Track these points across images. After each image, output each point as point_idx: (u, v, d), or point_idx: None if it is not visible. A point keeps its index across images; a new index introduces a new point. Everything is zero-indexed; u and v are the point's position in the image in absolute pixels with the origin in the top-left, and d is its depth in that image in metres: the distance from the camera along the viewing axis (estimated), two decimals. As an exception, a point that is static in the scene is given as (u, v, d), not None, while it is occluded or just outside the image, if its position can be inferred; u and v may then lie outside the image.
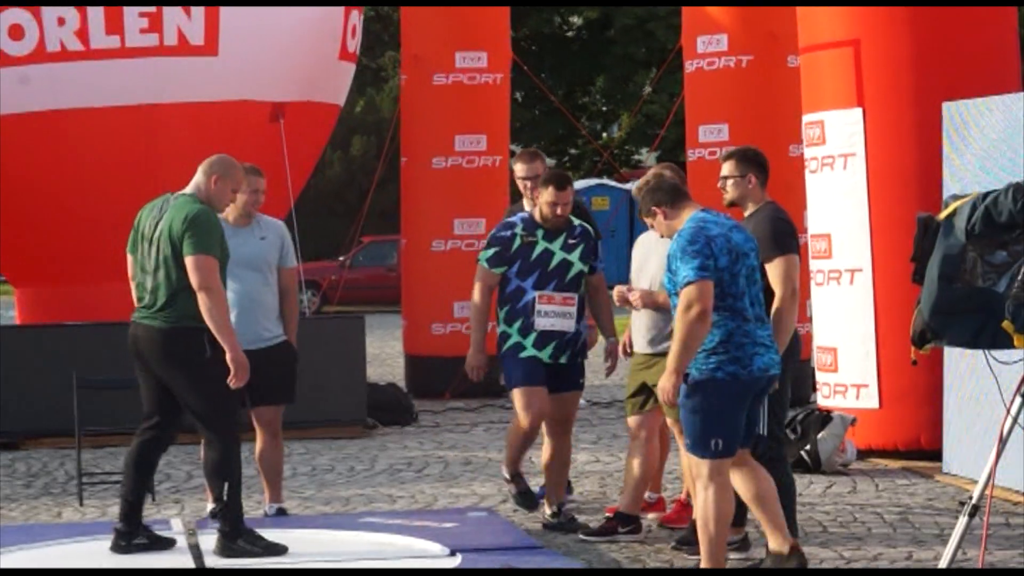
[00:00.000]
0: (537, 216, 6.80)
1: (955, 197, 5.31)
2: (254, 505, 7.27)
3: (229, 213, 6.57)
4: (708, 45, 10.88)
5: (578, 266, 6.77)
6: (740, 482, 5.64)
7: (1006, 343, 5.09)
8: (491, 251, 6.80)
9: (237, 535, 6.07)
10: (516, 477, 6.89)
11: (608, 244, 6.99)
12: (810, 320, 9.09)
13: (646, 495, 7.09)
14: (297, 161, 11.27)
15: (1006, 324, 5.03)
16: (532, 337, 6.71)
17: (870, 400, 8.40)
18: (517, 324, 6.73)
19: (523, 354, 6.71)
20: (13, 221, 10.93)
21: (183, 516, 7.21)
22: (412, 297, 12.09)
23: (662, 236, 5.83)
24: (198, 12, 10.64)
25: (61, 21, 10.47)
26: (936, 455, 8.11)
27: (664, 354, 6.24)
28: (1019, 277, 5.01)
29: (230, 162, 6.22)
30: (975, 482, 5.54)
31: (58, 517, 7.40)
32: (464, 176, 11.74)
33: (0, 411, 9.24)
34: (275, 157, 10.74)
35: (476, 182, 11.77)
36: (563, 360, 6.77)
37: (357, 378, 9.83)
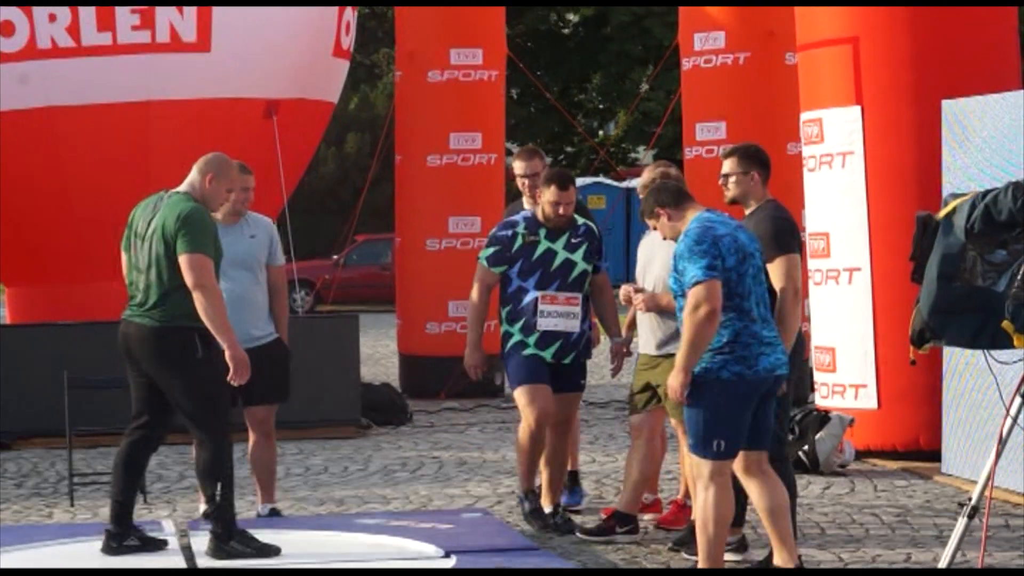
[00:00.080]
0: (540, 215, 6.72)
1: (954, 195, 5.30)
2: (246, 506, 7.24)
3: (218, 211, 6.51)
4: (705, 42, 10.86)
5: (582, 265, 6.70)
6: (756, 493, 5.60)
7: (1006, 343, 5.08)
8: (491, 250, 6.74)
9: (229, 536, 6.04)
10: (530, 495, 6.75)
11: (605, 243, 6.92)
12: (808, 320, 9.05)
13: (643, 496, 7.07)
14: (290, 158, 11.23)
15: (1006, 324, 5.02)
16: (535, 336, 6.65)
17: (868, 400, 8.39)
18: (519, 324, 6.67)
19: (526, 352, 6.65)
20: (3, 219, 10.87)
21: (175, 517, 7.18)
22: (406, 296, 12.06)
23: (665, 238, 5.77)
24: (190, 8, 10.61)
25: (52, 18, 10.43)
26: (935, 456, 8.09)
27: (670, 356, 6.23)
28: (1019, 276, 5.00)
29: (225, 161, 6.21)
30: (974, 483, 5.54)
31: (49, 518, 7.37)
32: (459, 174, 11.70)
33: (-9, 411, 9.22)
34: (268, 154, 10.71)
35: (471, 180, 11.74)
36: (567, 360, 6.71)
37: (351, 378, 9.81)
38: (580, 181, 24.95)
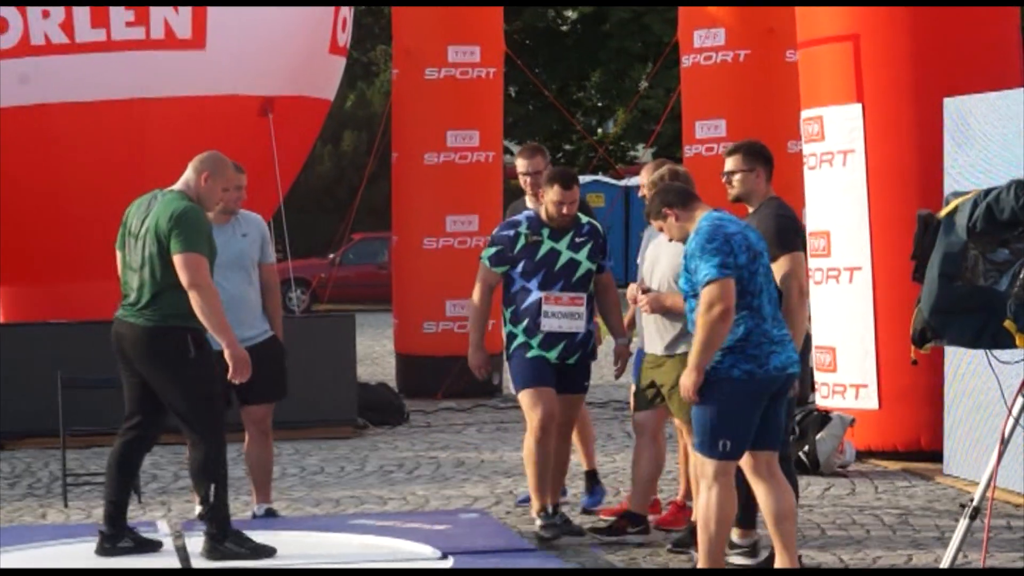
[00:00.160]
0: (543, 215, 6.66)
1: (956, 194, 5.27)
2: (241, 506, 7.21)
3: (212, 210, 6.47)
4: (705, 39, 10.83)
5: (586, 265, 6.64)
6: (763, 495, 5.56)
7: (1008, 343, 5.05)
8: (493, 250, 6.67)
9: (224, 537, 6.01)
10: (543, 513, 6.57)
11: (604, 241, 6.88)
12: (809, 319, 9.01)
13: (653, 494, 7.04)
14: (286, 156, 11.18)
15: (1008, 323, 4.99)
16: (539, 337, 6.58)
17: (869, 400, 8.36)
18: (523, 325, 6.61)
19: (530, 354, 6.59)
20: (-4, 218, 10.83)
21: (169, 518, 7.16)
22: (403, 295, 12.02)
23: (671, 239, 5.72)
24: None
25: (46, 14, 10.38)
26: (936, 456, 8.06)
27: (675, 356, 6.22)
28: (1021, 276, 4.97)
29: (221, 160, 6.18)
30: (976, 484, 5.52)
31: (42, 519, 7.34)
32: (456, 172, 11.66)
33: (-16, 410, 9.18)
34: (264, 152, 10.67)
35: (469, 178, 11.70)
36: (571, 361, 6.64)
37: (347, 377, 9.78)
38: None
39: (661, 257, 6.37)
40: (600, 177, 26.27)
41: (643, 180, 6.89)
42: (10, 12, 10.37)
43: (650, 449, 6.55)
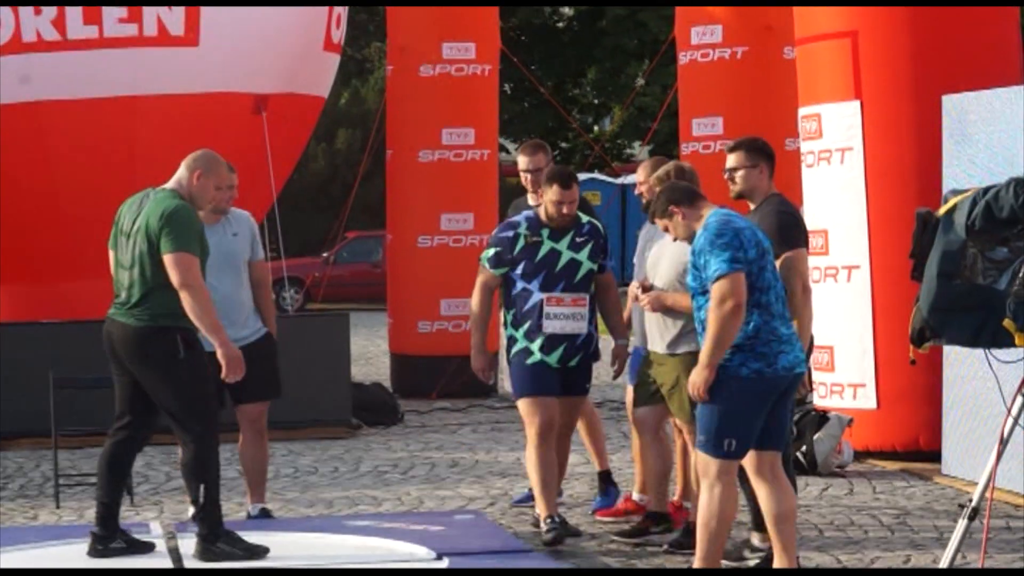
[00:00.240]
0: (542, 215, 6.59)
1: (955, 192, 5.25)
2: (234, 508, 7.18)
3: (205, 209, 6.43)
4: (702, 36, 10.80)
5: (587, 265, 6.57)
6: (764, 496, 5.52)
7: (1007, 342, 5.03)
8: (492, 251, 6.60)
9: (216, 538, 5.98)
10: (549, 521, 6.46)
11: (601, 240, 6.82)
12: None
13: (636, 497, 7.00)
14: (280, 154, 11.14)
15: (1007, 322, 4.97)
16: (539, 341, 6.51)
17: (867, 400, 8.32)
18: (524, 328, 6.54)
19: (530, 360, 6.52)
20: (-13, 217, 10.77)
21: (162, 519, 7.12)
22: (398, 294, 11.98)
23: (676, 239, 5.66)
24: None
25: (38, 11, 10.35)
26: (935, 456, 8.03)
27: (676, 355, 6.19)
28: (1020, 274, 4.95)
29: (214, 158, 6.15)
30: (975, 484, 5.48)
31: (34, 520, 7.30)
32: (451, 170, 11.62)
33: (-24, 411, 9.13)
34: (257, 150, 10.63)
35: (464, 176, 11.66)
36: (573, 363, 6.58)
37: (341, 377, 9.74)
38: (574, 177, 24.92)
39: (664, 256, 6.33)
40: (596, 175, 26.24)
41: (640, 178, 6.84)
42: (2, 9, 10.31)
43: (654, 446, 6.51)
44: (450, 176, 11.61)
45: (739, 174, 5.98)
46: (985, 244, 5.00)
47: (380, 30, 21.33)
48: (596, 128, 31.91)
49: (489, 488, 7.92)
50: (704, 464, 5.45)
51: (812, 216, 8.66)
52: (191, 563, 5.97)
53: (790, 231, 5.87)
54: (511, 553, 6.11)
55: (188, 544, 6.11)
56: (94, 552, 6.04)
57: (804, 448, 8.07)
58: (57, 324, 9.56)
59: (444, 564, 5.90)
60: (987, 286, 4.99)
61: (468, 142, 11.66)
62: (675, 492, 6.94)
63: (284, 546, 6.14)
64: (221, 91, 10.70)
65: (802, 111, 8.73)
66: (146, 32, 10.42)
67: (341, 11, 11.82)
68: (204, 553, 5.96)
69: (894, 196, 8.18)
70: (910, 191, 8.10)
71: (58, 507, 7.50)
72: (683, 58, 11.10)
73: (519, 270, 6.53)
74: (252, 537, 6.08)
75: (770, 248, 5.49)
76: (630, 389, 6.89)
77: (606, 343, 6.66)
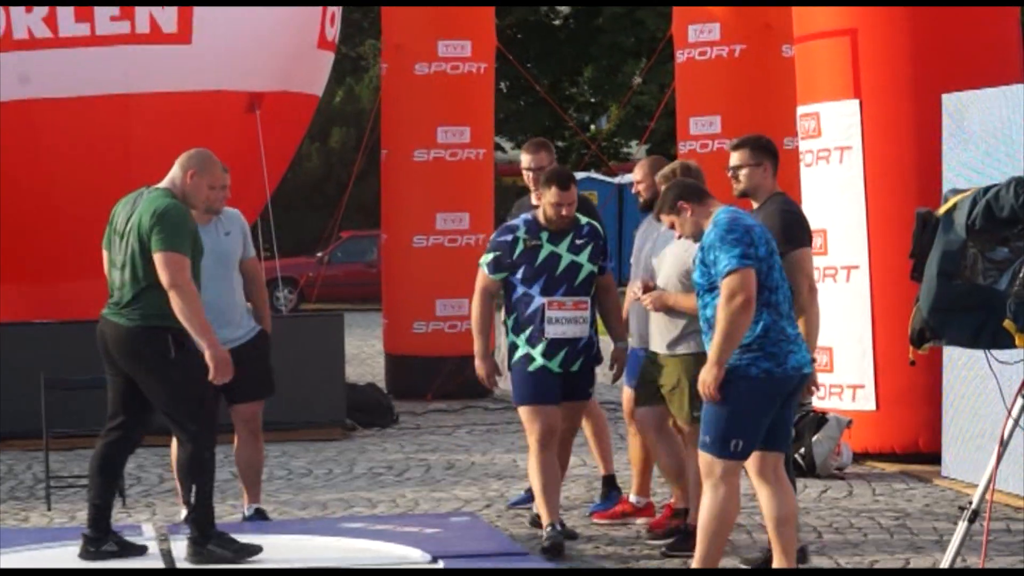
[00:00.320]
0: (541, 217, 6.53)
1: (955, 191, 5.22)
2: (228, 509, 7.14)
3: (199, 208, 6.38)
4: (700, 34, 10.77)
5: (588, 268, 6.51)
6: (766, 498, 5.47)
7: (1007, 342, 5.00)
8: (491, 256, 6.53)
9: (207, 539, 5.94)
10: (551, 528, 6.40)
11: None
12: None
13: (633, 499, 6.98)
14: (274, 153, 11.10)
15: (1007, 323, 4.95)
16: (541, 347, 6.45)
17: (866, 401, 8.29)
18: (525, 334, 6.47)
19: (532, 367, 6.46)
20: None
21: (155, 521, 7.08)
22: (393, 294, 11.95)
23: (681, 236, 5.61)
24: (170, 0, 10.46)
25: (29, 8, 10.28)
26: (935, 458, 8.00)
27: (677, 356, 6.15)
28: (1020, 274, 4.93)
29: (208, 157, 6.12)
30: (975, 486, 5.45)
31: (25, 522, 7.26)
32: (447, 169, 11.58)
33: (-34, 412, 9.08)
34: (251, 149, 10.60)
35: (459, 175, 11.62)
36: (574, 368, 6.51)
37: (336, 378, 9.69)
38: (571, 176, 24.86)
39: (667, 256, 6.28)
40: (593, 174, 26.17)
41: (637, 177, 6.81)
42: (-7, 6, 10.27)
43: (662, 445, 6.47)
44: (445, 175, 11.56)
45: (743, 172, 5.94)
46: (985, 244, 4.98)
47: (375, 28, 21.28)
48: (593, 127, 31.85)
49: (485, 490, 7.88)
50: (708, 465, 5.39)
51: (811, 216, 8.53)
52: (183, 566, 5.92)
53: (795, 230, 5.84)
54: (507, 556, 6.06)
55: (180, 546, 6.07)
56: (86, 554, 6.00)
57: (803, 450, 8.03)
58: (48, 324, 9.51)
59: (439, 567, 5.86)
60: (987, 286, 4.96)
61: (464, 141, 11.62)
62: (673, 495, 6.89)
63: (277, 548, 6.11)
64: (214, 89, 10.66)
65: (801, 110, 8.70)
66: (138, 30, 10.37)
67: (335, 9, 11.77)
68: (195, 555, 5.92)
69: (894, 195, 8.15)
70: (910, 190, 8.07)
71: (49, 509, 7.46)
72: (680, 56, 11.07)
73: (519, 275, 6.47)
74: (244, 540, 6.02)
75: (776, 248, 5.46)
76: (627, 391, 6.84)
77: (605, 344, 6.61)
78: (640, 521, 6.90)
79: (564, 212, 6.47)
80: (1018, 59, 8.38)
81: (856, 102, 8.29)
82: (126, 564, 5.94)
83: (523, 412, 6.51)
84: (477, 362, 6.57)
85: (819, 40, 8.49)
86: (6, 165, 10.52)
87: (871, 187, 8.28)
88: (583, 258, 6.50)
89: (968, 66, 8.06)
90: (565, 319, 6.43)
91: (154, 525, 6.81)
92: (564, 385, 6.51)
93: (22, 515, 7.40)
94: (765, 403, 5.32)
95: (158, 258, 5.81)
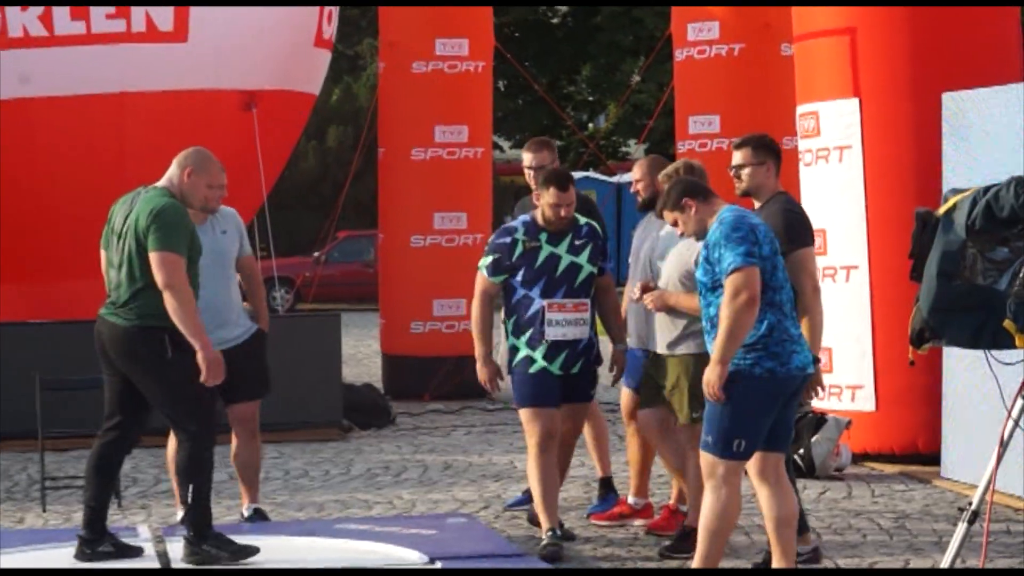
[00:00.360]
0: (539, 218, 6.49)
1: (955, 191, 5.20)
2: (223, 511, 7.11)
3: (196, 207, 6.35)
4: (699, 33, 10.73)
5: (587, 268, 6.47)
6: (766, 499, 5.44)
7: (1007, 343, 4.99)
8: (490, 259, 6.49)
9: (204, 539, 5.91)
10: (552, 533, 6.36)
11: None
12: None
13: (632, 501, 6.98)
14: (270, 152, 11.06)
15: (1007, 323, 4.93)
16: (542, 349, 6.41)
17: (866, 402, 8.27)
18: (525, 336, 6.44)
19: (533, 369, 6.42)
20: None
21: (150, 522, 7.06)
22: (390, 294, 11.91)
23: (683, 234, 5.58)
24: (167, -1, 10.43)
25: (24, 7, 10.22)
26: (934, 459, 7.98)
27: (676, 356, 6.13)
28: (1021, 274, 4.91)
29: (206, 155, 6.10)
30: (975, 487, 5.42)
31: (20, 523, 7.23)
32: (444, 168, 11.54)
33: (-39, 413, 9.05)
34: (247, 148, 10.56)
35: (457, 175, 11.59)
36: (575, 370, 6.48)
37: (332, 379, 9.66)
38: (568, 176, 24.83)
39: (669, 255, 6.26)
40: (591, 173, 26.14)
41: (635, 176, 6.78)
42: (-13, 5, 10.23)
43: (666, 445, 6.45)
44: (443, 174, 11.53)
45: (745, 171, 5.91)
46: (985, 244, 4.97)
47: (372, 26, 21.22)
48: (591, 126, 31.83)
49: (482, 491, 7.86)
50: (710, 465, 5.36)
51: (809, 216, 8.58)
52: (179, 566, 5.90)
53: (797, 229, 5.82)
54: (504, 557, 6.04)
55: (176, 548, 6.05)
56: (81, 556, 5.98)
57: (801, 451, 8.00)
58: (42, 324, 9.48)
59: (436, 568, 5.84)
60: (987, 286, 4.95)
61: (461, 140, 11.58)
62: (671, 495, 6.87)
63: (273, 550, 6.08)
64: (210, 88, 10.61)
65: (800, 109, 8.68)
66: (134, 28, 10.33)
67: (332, 7, 11.73)
68: (191, 555, 5.90)
69: (893, 195, 8.13)
70: (909, 190, 8.04)
71: (44, 510, 7.43)
72: (679, 55, 11.04)
73: (519, 277, 6.43)
74: (241, 541, 5.99)
75: (778, 248, 5.44)
76: (626, 391, 6.82)
77: (603, 345, 6.58)
78: (638, 522, 6.89)
79: (563, 213, 6.43)
80: (1018, 58, 8.36)
81: (855, 101, 8.26)
82: (122, 565, 5.92)
83: (523, 414, 6.49)
84: (478, 366, 6.53)
85: (818, 39, 8.46)
86: (1, 163, 10.48)
87: (870, 187, 8.25)
88: (583, 259, 6.47)
89: (968, 65, 8.05)
90: (565, 321, 6.40)
91: (150, 526, 6.79)
92: (565, 387, 6.48)
93: (17, 516, 7.37)
94: (768, 403, 5.30)
95: (154, 258, 5.78)
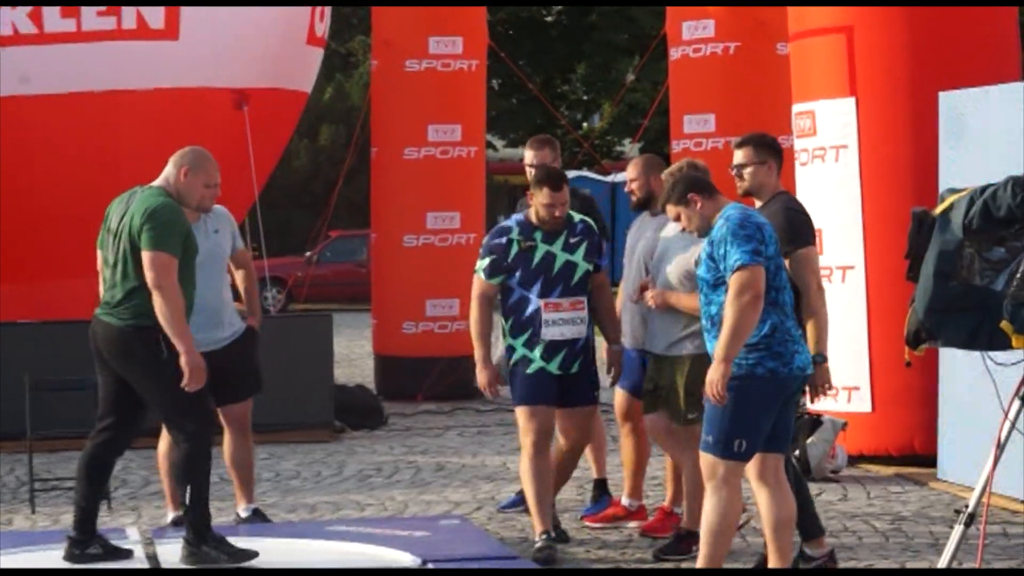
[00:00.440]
0: (533, 218, 6.46)
1: (952, 191, 5.19)
2: (213, 512, 6.98)
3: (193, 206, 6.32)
4: (694, 31, 10.70)
5: (583, 266, 6.44)
6: (765, 501, 5.41)
7: (1004, 343, 4.98)
8: (487, 260, 6.45)
9: (202, 541, 5.88)
10: (545, 537, 6.30)
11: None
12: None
13: (626, 502, 6.93)
14: (262, 151, 11.03)
15: (1004, 324, 4.93)
16: (539, 349, 6.37)
17: (862, 403, 8.24)
18: (523, 337, 6.40)
19: (530, 369, 6.39)
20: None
21: (140, 524, 7.03)
22: (382, 295, 11.89)
23: (686, 229, 5.55)
24: (158, -4, 10.40)
25: (13, 5, 10.17)
26: (930, 461, 7.96)
27: (676, 357, 6.11)
28: (1018, 275, 4.91)
29: (203, 155, 6.07)
30: (971, 489, 5.43)
31: (8, 525, 7.19)
32: (438, 168, 11.51)
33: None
34: (239, 147, 10.54)
35: (450, 174, 11.56)
36: (574, 370, 6.44)
37: (324, 379, 9.62)
38: (563, 175, 24.82)
39: (670, 254, 6.21)
40: (585, 173, 26.14)
41: (630, 175, 6.74)
42: (-23, 4, 10.19)
43: (674, 447, 6.41)
44: (436, 174, 11.50)
45: (747, 171, 5.87)
46: (982, 244, 4.96)
47: (365, 24, 21.22)
48: (585, 125, 31.83)
49: (475, 492, 7.83)
50: (711, 466, 5.32)
51: (806, 215, 8.59)
52: (170, 567, 5.86)
53: (800, 229, 5.79)
54: (497, 559, 6.02)
55: (166, 550, 6.03)
56: (70, 557, 5.94)
57: (797, 452, 7.96)
58: (32, 325, 9.43)
59: (429, 569, 5.81)
60: (984, 287, 4.94)
61: (455, 139, 11.55)
62: (666, 497, 6.84)
63: (266, 552, 6.03)
64: (202, 86, 10.60)
65: (796, 108, 8.66)
66: (125, 25, 10.31)
67: (325, 4, 11.69)
68: (189, 556, 5.86)
69: (890, 195, 8.10)
70: (906, 190, 8.02)
71: (33, 512, 7.40)
72: (674, 53, 11.00)
73: (516, 278, 6.40)
74: (235, 543, 5.95)
75: (779, 249, 5.42)
76: (619, 392, 6.78)
77: (598, 345, 6.54)
78: (632, 524, 6.87)
79: (556, 213, 6.40)
80: (1015, 58, 8.34)
81: (852, 100, 8.24)
82: (111, 567, 5.88)
83: (519, 413, 6.45)
84: (478, 369, 6.49)
85: (814, 37, 8.44)
86: (-9, 161, 10.45)
87: (867, 186, 8.23)
88: (578, 256, 6.43)
89: (965, 64, 8.02)
90: (562, 320, 6.36)
91: (139, 528, 6.75)
92: (567, 389, 6.43)
93: (6, 518, 7.33)
94: (770, 403, 5.27)
95: (145, 257, 5.75)
